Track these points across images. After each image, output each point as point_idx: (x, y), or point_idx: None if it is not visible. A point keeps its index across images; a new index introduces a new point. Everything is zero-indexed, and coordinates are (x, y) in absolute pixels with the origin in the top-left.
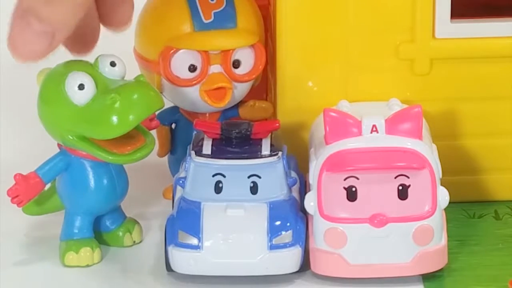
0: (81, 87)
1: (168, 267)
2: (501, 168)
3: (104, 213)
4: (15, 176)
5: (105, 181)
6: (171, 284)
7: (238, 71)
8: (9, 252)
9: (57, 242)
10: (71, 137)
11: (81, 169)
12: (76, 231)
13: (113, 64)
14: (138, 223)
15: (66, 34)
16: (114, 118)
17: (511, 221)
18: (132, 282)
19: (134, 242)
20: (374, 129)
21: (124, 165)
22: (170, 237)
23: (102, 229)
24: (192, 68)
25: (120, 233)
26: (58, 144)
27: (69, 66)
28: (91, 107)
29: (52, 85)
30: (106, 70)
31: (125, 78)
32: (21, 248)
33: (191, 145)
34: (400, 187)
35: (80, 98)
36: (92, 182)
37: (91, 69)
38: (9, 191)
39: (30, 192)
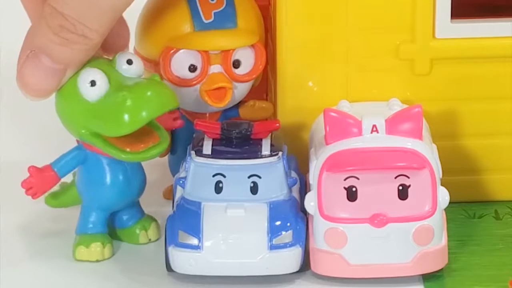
0: (92, 83)
1: (168, 267)
2: (501, 168)
3: (120, 209)
4: (29, 168)
5: (120, 178)
6: (171, 284)
7: (238, 71)
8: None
9: (72, 236)
10: (85, 133)
11: (97, 165)
12: (90, 225)
13: (129, 62)
14: (155, 221)
15: (77, 68)
16: (124, 116)
17: (511, 221)
18: (132, 282)
19: (150, 240)
20: (374, 129)
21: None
22: (170, 237)
23: (118, 225)
24: (192, 68)
25: (137, 231)
26: (77, 139)
27: (87, 62)
28: (102, 104)
29: (68, 80)
30: (123, 67)
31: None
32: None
33: (191, 145)
34: (400, 187)
35: (92, 94)
36: (107, 178)
37: (107, 66)
38: (23, 182)
39: (44, 185)
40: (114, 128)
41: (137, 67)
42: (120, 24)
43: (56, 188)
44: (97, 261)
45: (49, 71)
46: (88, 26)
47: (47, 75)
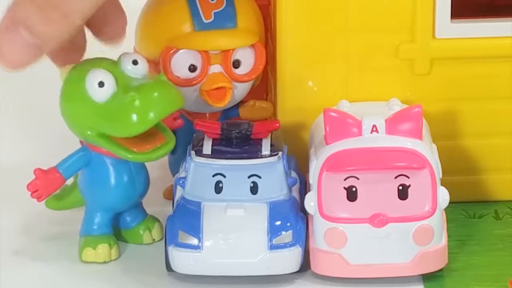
0: (101, 84)
1: (168, 267)
2: (501, 168)
3: (124, 210)
4: (34, 170)
5: (125, 178)
6: (171, 284)
7: (238, 71)
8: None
9: (76, 238)
10: (91, 134)
11: (102, 166)
12: (95, 227)
13: (135, 62)
14: (158, 221)
15: (53, 47)
16: (133, 116)
17: (511, 221)
18: (132, 282)
19: (154, 240)
20: (374, 129)
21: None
22: (170, 237)
23: (122, 225)
24: (192, 68)
25: (141, 231)
26: (80, 141)
27: (91, 63)
28: (111, 105)
29: (73, 82)
30: (128, 68)
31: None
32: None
33: (191, 145)
34: (400, 187)
35: (100, 95)
36: (112, 179)
37: (112, 66)
38: (29, 185)
39: (50, 187)
40: (123, 129)
41: (142, 67)
42: (116, 11)
43: (57, 190)
44: (105, 262)
45: (27, 45)
46: (72, 6)
47: (24, 48)
